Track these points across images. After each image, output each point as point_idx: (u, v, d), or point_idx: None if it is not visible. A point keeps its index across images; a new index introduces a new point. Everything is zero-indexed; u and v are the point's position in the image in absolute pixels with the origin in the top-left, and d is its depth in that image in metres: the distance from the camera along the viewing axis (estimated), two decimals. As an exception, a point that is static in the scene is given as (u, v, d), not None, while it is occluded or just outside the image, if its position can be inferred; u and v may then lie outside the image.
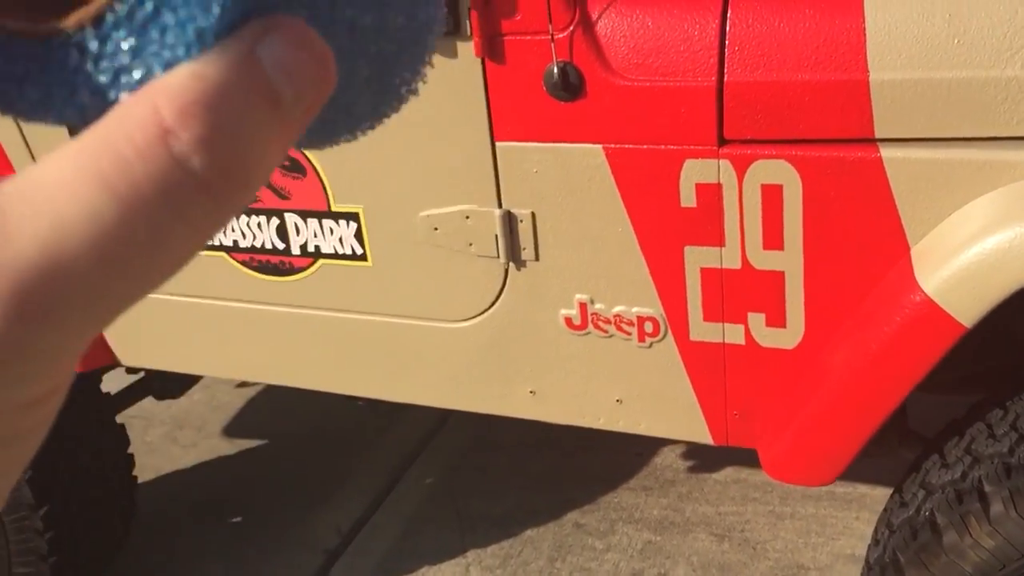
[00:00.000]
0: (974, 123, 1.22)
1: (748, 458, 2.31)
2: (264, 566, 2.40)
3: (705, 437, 1.54)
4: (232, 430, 3.05)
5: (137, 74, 0.23)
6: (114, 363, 2.01)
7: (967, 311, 1.20)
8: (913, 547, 1.30)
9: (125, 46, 0.23)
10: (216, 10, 0.22)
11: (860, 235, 1.31)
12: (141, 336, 1.93)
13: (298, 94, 0.23)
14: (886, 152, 1.26)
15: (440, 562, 2.36)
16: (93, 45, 0.23)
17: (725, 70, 1.30)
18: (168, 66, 0.22)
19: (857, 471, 1.87)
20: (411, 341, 1.67)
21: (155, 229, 0.21)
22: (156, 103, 0.22)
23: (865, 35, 1.24)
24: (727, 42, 1.30)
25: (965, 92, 1.21)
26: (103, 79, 0.23)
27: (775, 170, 1.32)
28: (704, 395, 1.51)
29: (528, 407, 1.65)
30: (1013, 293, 1.18)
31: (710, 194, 1.36)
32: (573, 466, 2.63)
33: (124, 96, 0.23)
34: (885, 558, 1.37)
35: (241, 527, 2.56)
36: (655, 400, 1.54)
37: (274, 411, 3.11)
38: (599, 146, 1.40)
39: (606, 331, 1.52)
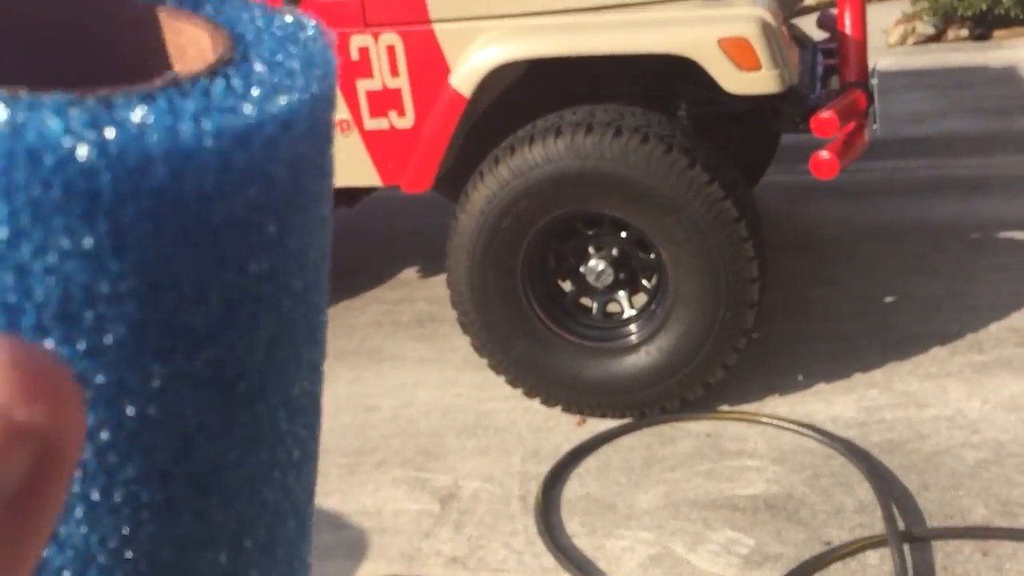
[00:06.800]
0: (471, 9, 2.81)
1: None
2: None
3: (376, 180, 3.08)
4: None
5: None
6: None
7: (465, 87, 2.79)
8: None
9: None
10: None
11: (428, 67, 2.89)
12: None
13: None
14: (437, 27, 2.84)
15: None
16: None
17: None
18: None
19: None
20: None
21: None
22: None
23: (422, -26, 2.82)
24: (365, -21, 2.87)
25: (462, -3, 2.81)
26: None
27: (391, 39, 2.88)
28: (375, 157, 3.05)
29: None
30: (488, 72, 2.76)
31: (364, 52, 2.91)
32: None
33: None
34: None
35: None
36: (350, 161, 3.07)
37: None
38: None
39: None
